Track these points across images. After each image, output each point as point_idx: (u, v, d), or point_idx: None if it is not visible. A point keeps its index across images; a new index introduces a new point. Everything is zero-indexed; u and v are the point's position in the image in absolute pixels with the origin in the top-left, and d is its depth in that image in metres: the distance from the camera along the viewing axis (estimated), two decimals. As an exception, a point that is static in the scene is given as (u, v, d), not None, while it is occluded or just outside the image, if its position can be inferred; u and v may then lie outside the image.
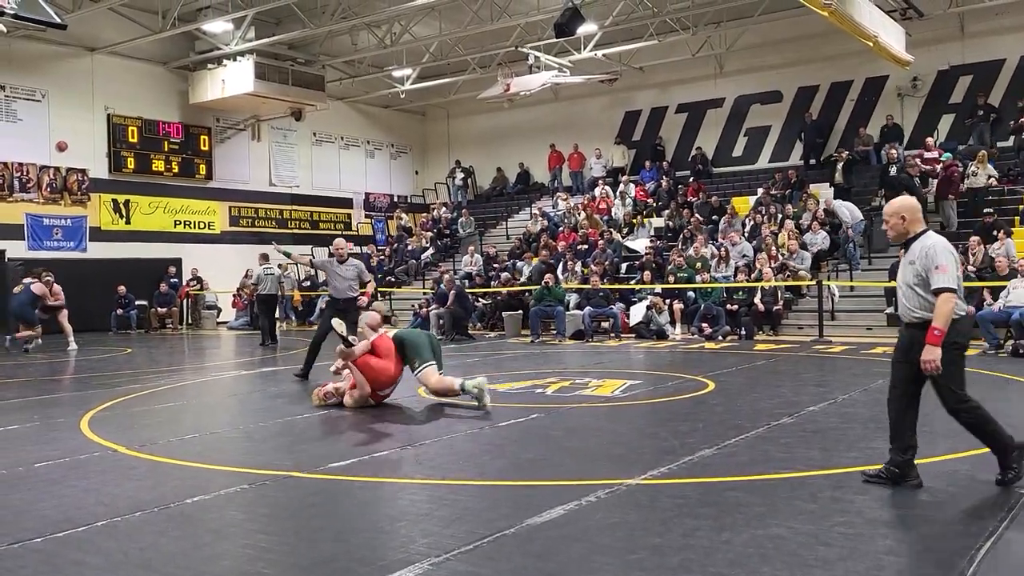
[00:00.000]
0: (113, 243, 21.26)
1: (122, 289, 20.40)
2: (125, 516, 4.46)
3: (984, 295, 13.23)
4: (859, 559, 3.60)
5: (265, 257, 16.76)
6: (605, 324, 16.12)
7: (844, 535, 3.91)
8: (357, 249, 25.84)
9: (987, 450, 4.72)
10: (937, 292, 4.52)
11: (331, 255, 10.79)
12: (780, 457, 5.59)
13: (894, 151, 18.92)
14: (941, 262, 4.54)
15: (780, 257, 16.33)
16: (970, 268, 14.06)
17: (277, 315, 18.04)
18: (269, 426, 7.13)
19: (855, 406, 7.56)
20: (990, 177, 17.71)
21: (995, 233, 14.96)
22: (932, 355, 4.48)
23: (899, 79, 21.09)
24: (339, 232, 26.74)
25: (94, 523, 4.35)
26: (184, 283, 22.24)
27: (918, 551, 3.70)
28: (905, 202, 4.87)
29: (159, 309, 21.22)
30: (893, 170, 18.18)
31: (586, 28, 18.84)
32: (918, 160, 18.16)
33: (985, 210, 16.28)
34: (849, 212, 17.68)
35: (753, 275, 16.11)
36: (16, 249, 19.59)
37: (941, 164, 17.81)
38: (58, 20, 15.72)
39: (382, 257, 24.30)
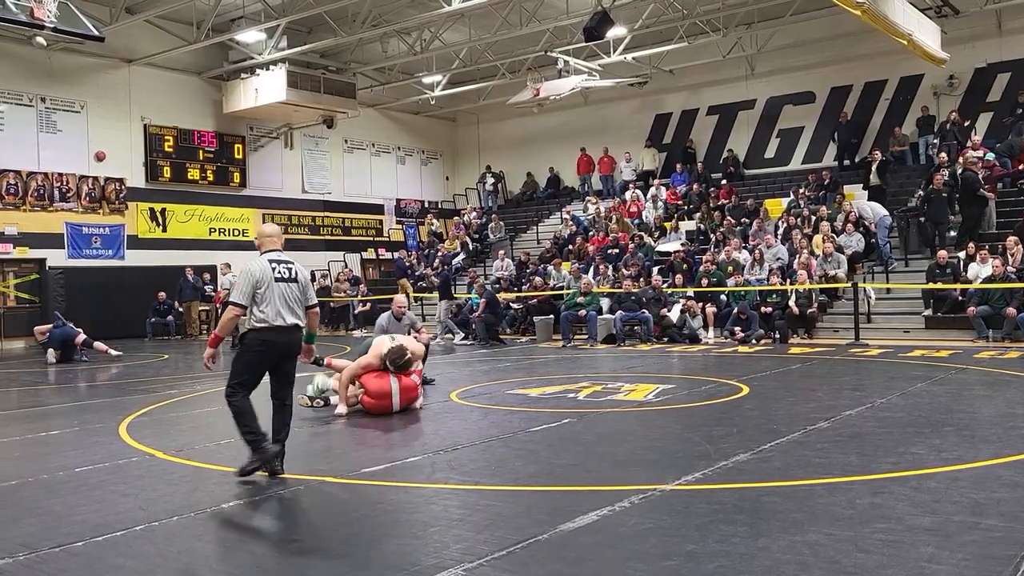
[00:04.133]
0: (150, 251, 21.60)
1: (162, 295, 20.69)
2: (163, 520, 4.52)
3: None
4: (899, 567, 3.53)
5: (228, 266, 16.67)
6: (638, 328, 16.03)
7: (884, 542, 3.84)
8: (390, 255, 26.15)
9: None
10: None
11: (391, 313, 10.71)
12: (817, 462, 5.51)
13: (944, 155, 18.45)
14: (237, 281, 5.56)
15: (815, 263, 16.09)
16: (1010, 268, 13.81)
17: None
18: (303, 431, 7.17)
19: (893, 410, 7.44)
20: None
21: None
22: (205, 353, 5.67)
23: (935, 77, 20.74)
24: (371, 239, 27.00)
25: (133, 527, 4.41)
26: (219, 289, 22.47)
27: (960, 559, 3.62)
28: (260, 228, 5.95)
29: (188, 304, 20.92)
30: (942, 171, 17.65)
31: (615, 31, 18.81)
32: (961, 159, 17.81)
33: (1026, 209, 15.99)
34: (871, 209, 17.44)
35: (788, 278, 15.92)
36: (56, 257, 19.99)
37: (982, 163, 17.47)
38: (96, 33, 16.09)
39: (414, 262, 24.41)
